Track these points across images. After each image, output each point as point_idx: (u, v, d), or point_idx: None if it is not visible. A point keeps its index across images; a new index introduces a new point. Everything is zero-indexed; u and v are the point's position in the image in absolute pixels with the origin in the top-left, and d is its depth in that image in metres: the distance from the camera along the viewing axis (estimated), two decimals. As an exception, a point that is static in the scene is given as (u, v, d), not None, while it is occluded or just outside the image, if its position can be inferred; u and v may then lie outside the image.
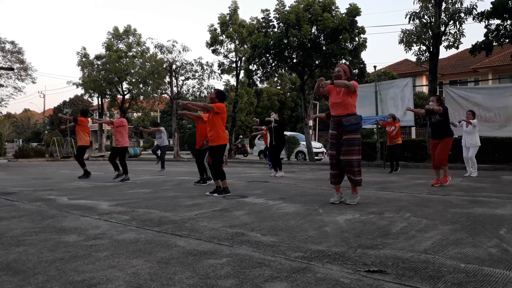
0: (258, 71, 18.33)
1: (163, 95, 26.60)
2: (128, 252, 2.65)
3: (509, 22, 12.34)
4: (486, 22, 12.65)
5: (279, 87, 38.90)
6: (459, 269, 2.21)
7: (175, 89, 23.55)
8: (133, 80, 24.52)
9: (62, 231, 3.33)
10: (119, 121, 8.55)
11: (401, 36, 12.55)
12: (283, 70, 18.65)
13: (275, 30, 16.54)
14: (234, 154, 22.53)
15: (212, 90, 6.49)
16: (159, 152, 12.53)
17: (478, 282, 2.02)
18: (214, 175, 5.98)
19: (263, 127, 12.47)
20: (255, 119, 10.23)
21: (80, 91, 36.97)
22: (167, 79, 23.98)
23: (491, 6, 12.24)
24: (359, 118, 4.66)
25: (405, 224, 3.46)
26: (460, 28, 12.37)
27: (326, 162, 16.55)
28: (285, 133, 12.16)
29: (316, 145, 19.68)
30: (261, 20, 17.20)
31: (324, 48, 15.97)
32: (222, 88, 22.89)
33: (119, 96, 26.37)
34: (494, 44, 12.99)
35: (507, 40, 12.63)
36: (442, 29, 12.47)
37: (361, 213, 4.05)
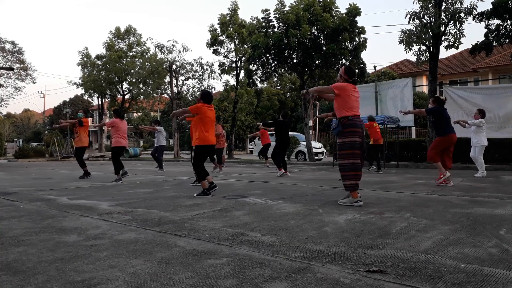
0: (258, 71, 18.35)
1: (163, 95, 26.61)
2: (128, 252, 2.65)
3: (509, 22, 12.34)
4: (486, 22, 12.65)
5: (279, 87, 38.90)
6: (459, 269, 2.21)
7: (175, 89, 23.56)
8: (133, 80, 24.52)
9: (62, 231, 3.33)
10: (109, 123, 8.84)
11: (401, 36, 12.56)
12: (283, 70, 18.66)
13: (275, 30, 16.55)
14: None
15: (213, 91, 6.61)
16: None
17: (478, 282, 2.02)
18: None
19: (263, 128, 12.51)
20: (258, 122, 10.42)
21: (80, 91, 37.03)
22: (167, 79, 24.00)
23: (491, 6, 12.24)
24: (336, 122, 4.71)
25: (405, 224, 3.46)
26: (460, 28, 12.37)
27: (326, 162, 16.55)
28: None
29: (316, 145, 19.67)
30: (261, 20, 17.21)
31: (324, 48, 15.99)
32: (222, 88, 22.93)
33: (119, 96, 26.36)
34: (494, 44, 12.99)
35: (507, 40, 12.63)
36: (442, 29, 12.47)
37: (361, 213, 4.05)
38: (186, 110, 6.07)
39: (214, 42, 20.77)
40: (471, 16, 12.36)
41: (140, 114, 37.28)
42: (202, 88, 23.35)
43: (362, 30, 16.09)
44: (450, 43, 12.57)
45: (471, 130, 8.94)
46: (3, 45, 25.23)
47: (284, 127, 9.69)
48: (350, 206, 4.47)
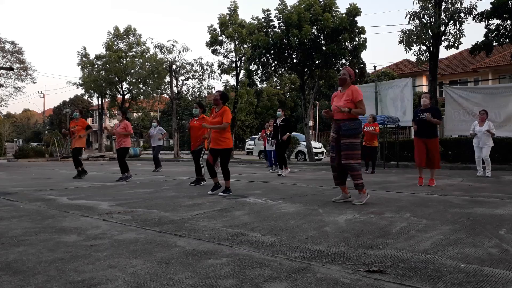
0: (258, 71, 18.34)
1: (163, 95, 26.57)
2: (128, 252, 2.65)
3: (509, 22, 12.35)
4: (486, 22, 12.66)
5: (279, 87, 38.90)
6: (459, 269, 2.22)
7: (175, 89, 23.54)
8: (133, 80, 24.49)
9: (62, 231, 3.33)
10: (129, 127, 8.76)
11: (401, 36, 12.57)
12: (283, 70, 18.66)
13: (276, 30, 16.54)
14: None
15: (213, 91, 6.48)
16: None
17: (478, 282, 2.02)
18: (223, 174, 5.94)
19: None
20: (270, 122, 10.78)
21: (80, 91, 36.94)
22: (167, 79, 23.95)
23: (491, 6, 12.25)
24: (358, 123, 4.68)
25: (405, 224, 3.46)
26: (460, 28, 12.39)
27: (326, 162, 16.55)
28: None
29: (316, 145, 19.69)
30: (262, 20, 17.20)
31: (324, 48, 15.98)
32: (222, 88, 22.89)
33: (119, 96, 26.34)
34: (494, 44, 13.00)
35: (507, 40, 12.64)
36: (442, 29, 12.48)
37: (361, 213, 4.05)
38: (226, 125, 5.78)
39: (213, 42, 20.73)
40: (471, 16, 12.38)
41: (140, 114, 37.27)
42: (203, 88, 23.32)
43: (362, 30, 16.08)
44: (450, 43, 12.59)
45: (479, 130, 8.82)
46: (3, 45, 25.25)
47: (288, 125, 9.94)
48: (350, 206, 4.50)
